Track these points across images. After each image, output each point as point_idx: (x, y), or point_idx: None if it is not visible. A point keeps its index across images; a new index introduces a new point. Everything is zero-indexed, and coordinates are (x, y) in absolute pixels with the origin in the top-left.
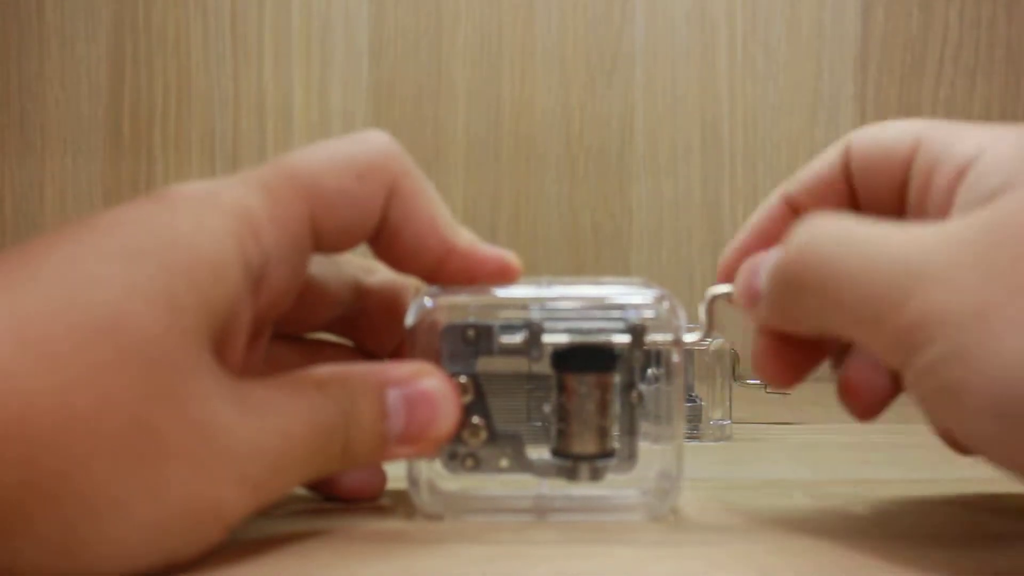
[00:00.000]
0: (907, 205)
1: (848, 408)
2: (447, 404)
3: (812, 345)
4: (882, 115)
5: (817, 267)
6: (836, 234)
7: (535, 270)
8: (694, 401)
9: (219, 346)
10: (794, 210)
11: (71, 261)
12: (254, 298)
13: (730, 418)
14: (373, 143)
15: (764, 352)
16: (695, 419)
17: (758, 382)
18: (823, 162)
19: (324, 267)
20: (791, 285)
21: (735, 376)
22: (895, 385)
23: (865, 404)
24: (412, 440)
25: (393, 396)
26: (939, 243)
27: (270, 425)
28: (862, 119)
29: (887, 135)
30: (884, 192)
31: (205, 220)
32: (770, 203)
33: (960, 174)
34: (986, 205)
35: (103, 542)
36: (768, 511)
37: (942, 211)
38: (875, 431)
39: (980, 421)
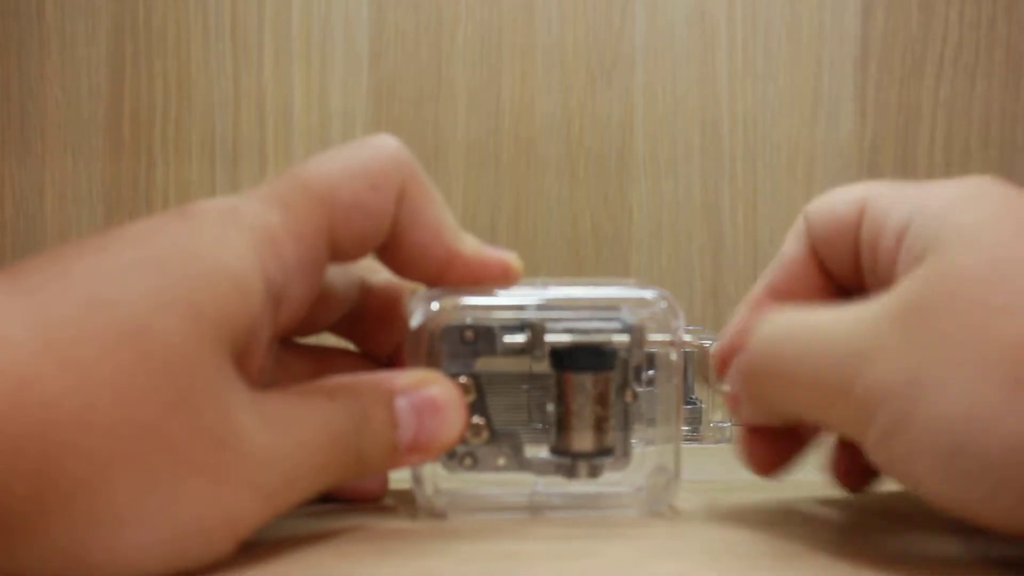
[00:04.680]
0: (863, 272)
1: (838, 485)
2: (454, 410)
3: (792, 436)
4: (882, 115)
5: (773, 361)
6: (785, 327)
7: (535, 271)
8: (694, 403)
9: (238, 358)
10: (777, 299)
11: (95, 269)
12: (274, 314)
13: (730, 420)
14: (384, 150)
15: (750, 445)
16: (695, 421)
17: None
18: (789, 244)
19: (331, 270)
20: (752, 381)
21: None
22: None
23: (849, 479)
24: (422, 448)
25: (401, 405)
26: (868, 321)
27: (286, 435)
28: (862, 119)
29: (835, 207)
30: (844, 261)
31: (227, 236)
32: (753, 297)
33: (899, 240)
34: (908, 275)
35: (113, 552)
36: (767, 512)
37: (889, 278)
38: None
39: (929, 483)
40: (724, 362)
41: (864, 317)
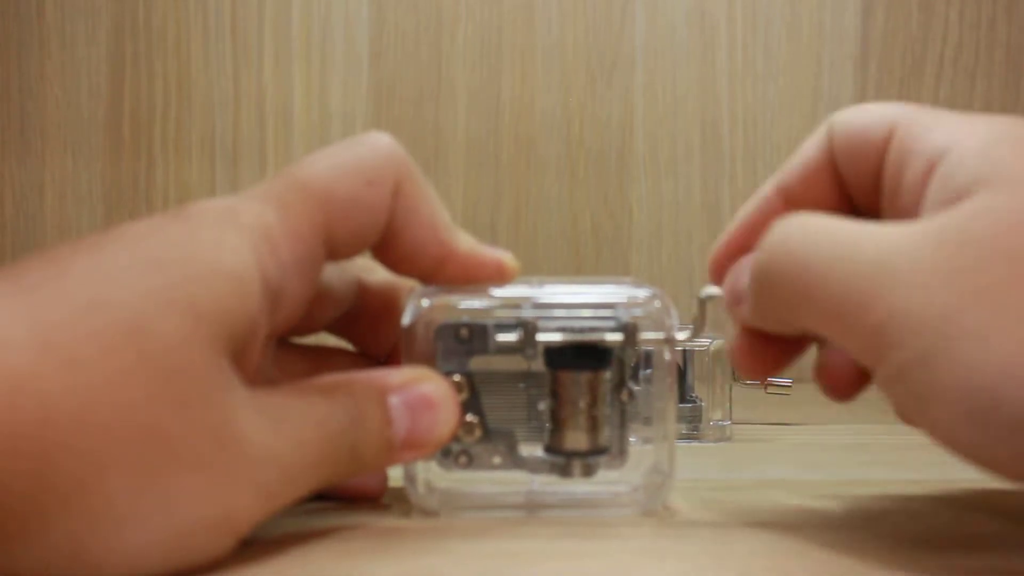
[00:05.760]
0: (882, 194)
1: (824, 389)
2: (446, 407)
3: (789, 341)
4: None
5: (789, 265)
6: (808, 233)
7: (535, 271)
8: (694, 402)
9: (236, 357)
10: (787, 200)
11: (94, 270)
12: (271, 314)
13: (730, 419)
14: (378, 147)
15: (742, 347)
16: (695, 420)
17: (758, 382)
18: (809, 148)
19: (328, 269)
20: (765, 283)
21: (735, 377)
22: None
23: (840, 386)
24: (416, 445)
25: (395, 402)
26: (905, 244)
27: (284, 433)
28: None
29: (864, 120)
30: (864, 178)
31: (225, 236)
32: (762, 195)
33: (929, 169)
34: (952, 206)
35: (112, 551)
36: (766, 512)
37: (913, 205)
38: (875, 432)
39: (948, 427)
40: (722, 261)
41: (899, 236)
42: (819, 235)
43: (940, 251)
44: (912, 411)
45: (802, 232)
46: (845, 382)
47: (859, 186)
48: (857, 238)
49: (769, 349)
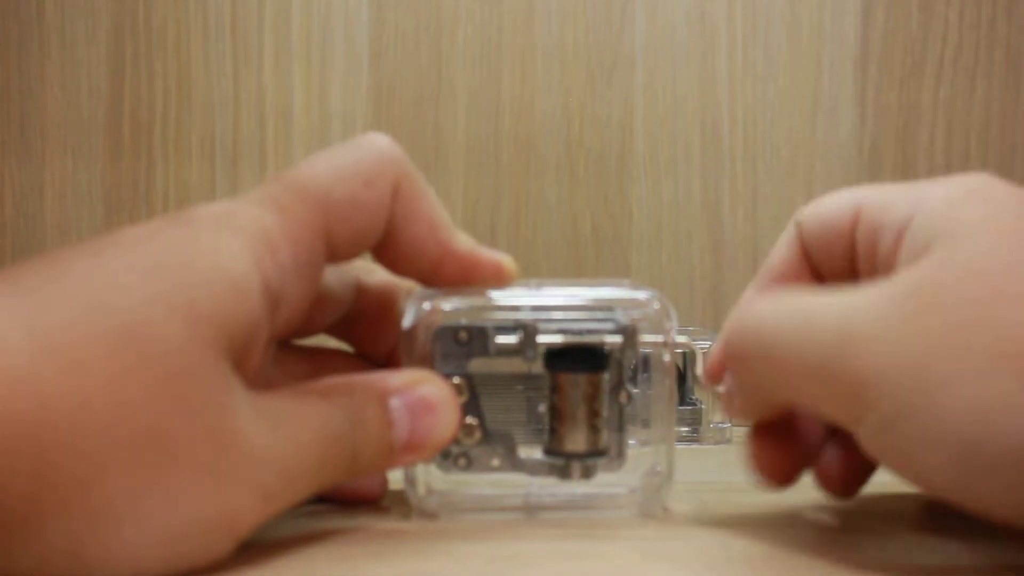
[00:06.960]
0: (859, 277)
1: (826, 492)
2: (447, 409)
3: (800, 440)
4: (882, 115)
5: (759, 340)
6: (772, 307)
7: (535, 272)
8: (694, 404)
9: (236, 360)
10: None
11: (93, 272)
12: (272, 317)
13: (730, 421)
14: (376, 147)
15: (754, 450)
16: (695, 422)
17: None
18: (781, 247)
19: (328, 271)
20: (739, 363)
21: None
22: (868, 466)
23: (838, 483)
24: (416, 447)
25: (395, 405)
26: (867, 304)
27: (284, 434)
28: (862, 119)
29: (830, 208)
30: (838, 265)
31: (224, 240)
32: (745, 301)
33: (899, 238)
34: (912, 263)
35: (111, 552)
36: (763, 514)
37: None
38: None
39: (935, 474)
40: (717, 368)
41: (862, 299)
42: (781, 308)
43: (903, 306)
44: (899, 466)
45: (765, 308)
46: (842, 479)
47: (835, 275)
48: (820, 307)
49: (785, 448)
